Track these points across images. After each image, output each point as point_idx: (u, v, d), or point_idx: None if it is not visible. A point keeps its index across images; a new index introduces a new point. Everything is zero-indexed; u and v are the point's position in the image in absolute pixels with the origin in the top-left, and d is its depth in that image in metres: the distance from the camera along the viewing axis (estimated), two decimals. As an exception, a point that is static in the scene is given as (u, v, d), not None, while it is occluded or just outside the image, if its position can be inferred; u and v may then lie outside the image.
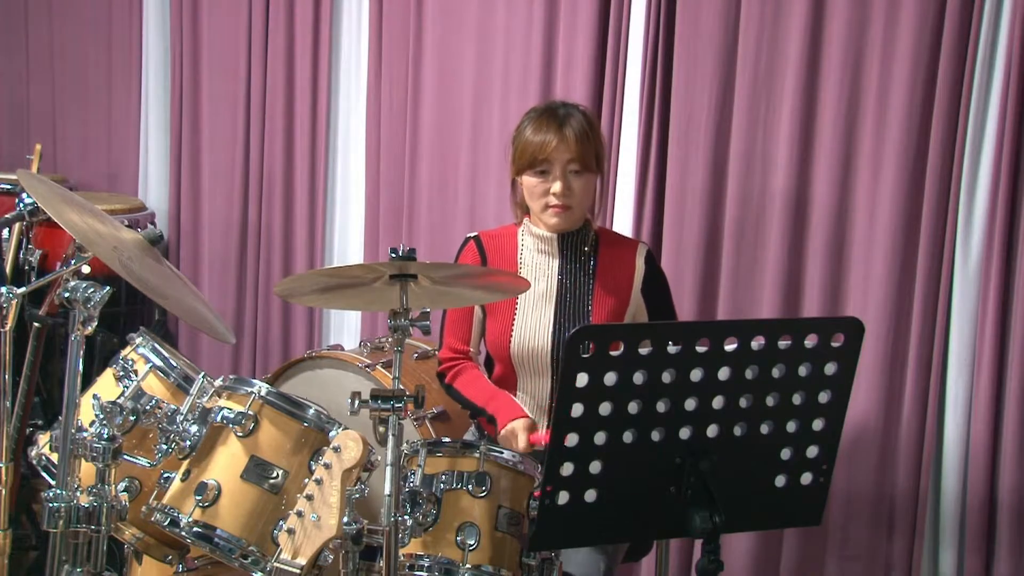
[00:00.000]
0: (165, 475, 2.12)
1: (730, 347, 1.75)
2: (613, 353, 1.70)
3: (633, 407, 1.73)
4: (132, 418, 2.05)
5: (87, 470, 1.99)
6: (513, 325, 2.45)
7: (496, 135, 3.32)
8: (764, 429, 1.82)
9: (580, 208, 2.46)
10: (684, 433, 1.78)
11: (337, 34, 3.71)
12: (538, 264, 2.50)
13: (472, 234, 2.56)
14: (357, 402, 1.89)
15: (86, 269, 2.06)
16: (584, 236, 2.51)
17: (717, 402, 1.77)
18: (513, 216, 2.58)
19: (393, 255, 1.95)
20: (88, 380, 2.22)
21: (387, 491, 1.81)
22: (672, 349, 1.72)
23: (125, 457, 2.04)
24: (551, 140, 2.38)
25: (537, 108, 2.50)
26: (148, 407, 2.13)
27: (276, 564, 1.88)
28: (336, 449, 1.91)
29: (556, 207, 2.42)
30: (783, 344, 1.77)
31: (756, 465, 1.85)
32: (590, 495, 1.77)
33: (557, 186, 2.39)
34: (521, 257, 2.52)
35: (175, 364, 2.25)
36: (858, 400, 2.78)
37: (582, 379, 1.69)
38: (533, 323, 2.45)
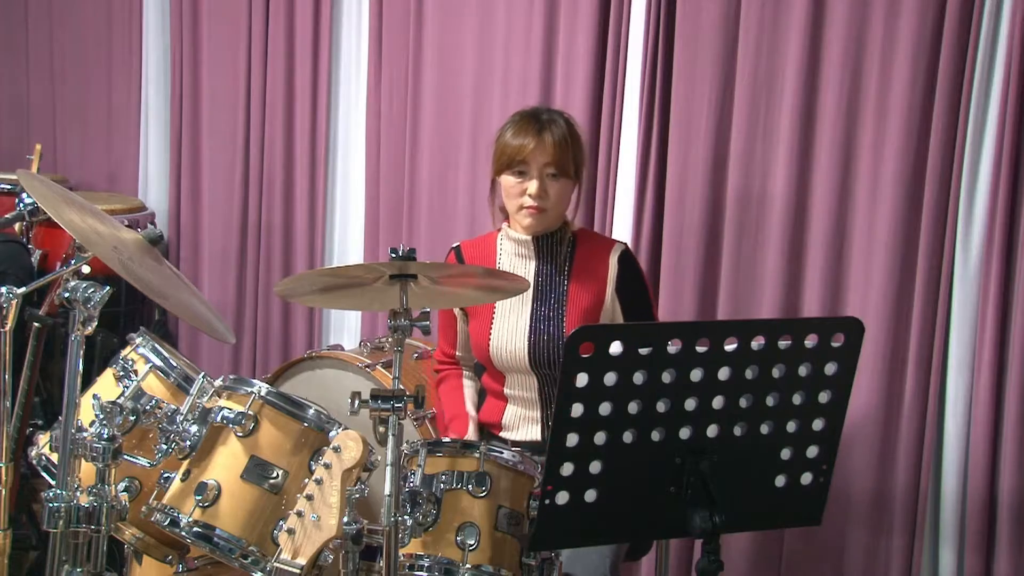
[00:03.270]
0: (165, 475, 2.12)
1: (730, 347, 1.75)
2: (613, 353, 1.70)
3: (633, 407, 1.73)
4: (132, 418, 2.05)
5: (87, 470, 1.99)
6: (491, 328, 2.47)
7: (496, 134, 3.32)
8: (764, 429, 1.82)
9: (555, 211, 2.47)
10: (684, 433, 1.78)
11: (337, 34, 3.71)
12: (516, 268, 2.52)
13: (455, 244, 2.61)
14: (357, 402, 1.89)
15: (86, 269, 2.06)
16: (561, 238, 2.52)
17: (717, 402, 1.78)
18: (492, 222, 2.60)
19: (393, 255, 1.95)
20: (88, 380, 2.22)
21: (387, 491, 1.81)
22: (672, 349, 1.72)
23: (125, 457, 2.04)
24: (529, 143, 2.42)
25: (522, 111, 2.53)
26: (148, 407, 2.13)
27: (276, 564, 1.88)
28: (336, 449, 1.90)
29: (531, 208, 2.44)
30: (783, 344, 1.77)
31: (756, 465, 1.85)
32: (590, 495, 1.77)
33: (533, 186, 2.42)
34: (499, 262, 2.54)
35: (175, 364, 2.24)
36: (858, 400, 2.78)
37: (582, 379, 1.69)
38: (510, 326, 2.47)
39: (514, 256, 2.53)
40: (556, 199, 2.45)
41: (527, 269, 2.52)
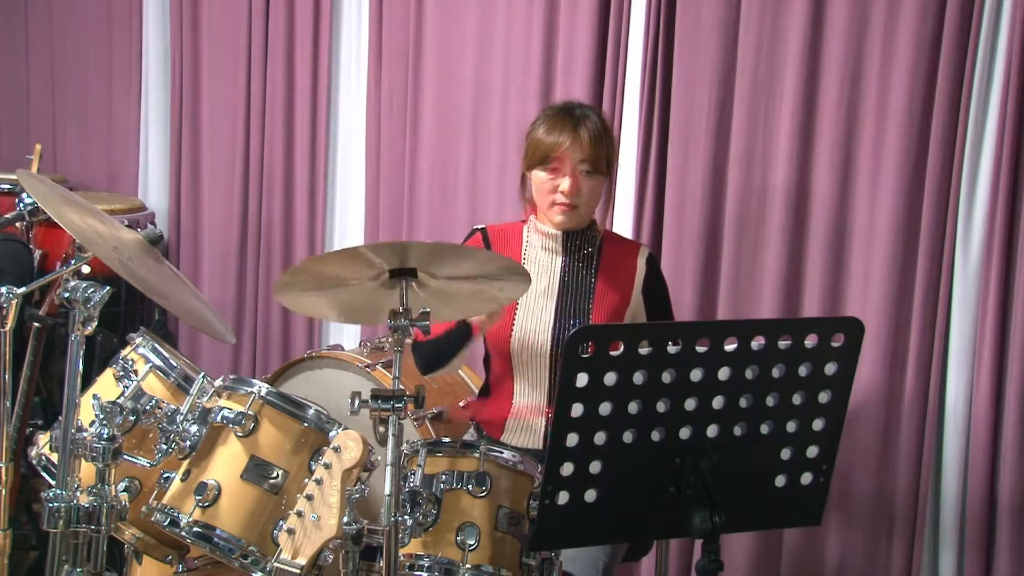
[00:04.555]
0: (165, 475, 2.12)
1: (730, 347, 1.75)
2: (613, 353, 1.70)
3: (633, 407, 1.73)
4: (132, 418, 2.05)
5: (87, 470, 1.99)
6: (514, 320, 2.46)
7: (496, 135, 3.32)
8: (764, 429, 1.82)
9: (587, 208, 2.46)
10: (684, 433, 1.78)
11: (337, 34, 3.71)
12: (541, 261, 2.51)
13: (479, 226, 2.58)
14: (357, 402, 1.89)
15: (86, 269, 2.06)
16: (590, 236, 2.51)
17: (717, 402, 1.77)
18: (520, 211, 2.59)
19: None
20: (88, 380, 2.22)
21: (387, 491, 1.81)
22: (672, 349, 1.72)
23: (125, 457, 2.04)
24: (564, 140, 2.39)
25: (555, 106, 2.51)
26: (148, 407, 2.13)
27: (276, 564, 1.88)
28: (336, 449, 1.90)
29: (563, 205, 2.42)
30: (783, 344, 1.77)
31: (756, 465, 1.85)
32: (590, 495, 1.77)
33: (566, 183, 2.40)
34: (525, 253, 2.52)
35: (175, 364, 2.25)
36: (858, 400, 2.78)
37: (582, 379, 1.69)
38: (534, 319, 2.46)
39: (540, 249, 2.52)
40: (588, 196, 2.44)
41: (553, 263, 2.50)
